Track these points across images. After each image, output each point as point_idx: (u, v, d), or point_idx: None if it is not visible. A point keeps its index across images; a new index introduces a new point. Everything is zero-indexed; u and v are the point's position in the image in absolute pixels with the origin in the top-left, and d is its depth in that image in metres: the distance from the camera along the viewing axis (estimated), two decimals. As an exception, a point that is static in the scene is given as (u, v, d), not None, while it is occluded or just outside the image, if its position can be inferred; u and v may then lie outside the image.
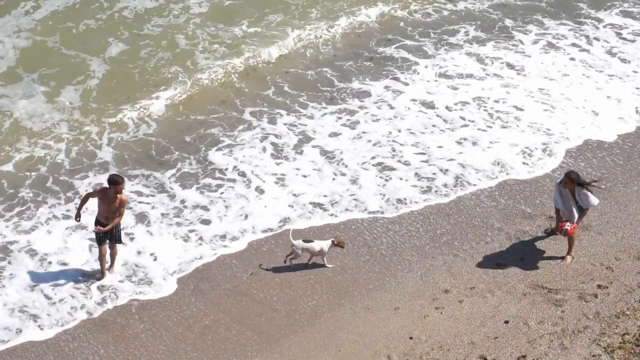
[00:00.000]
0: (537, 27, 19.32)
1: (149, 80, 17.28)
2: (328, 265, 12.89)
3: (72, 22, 18.83)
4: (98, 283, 12.64)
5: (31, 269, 12.94)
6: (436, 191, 14.42)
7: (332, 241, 12.80)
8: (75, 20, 18.87)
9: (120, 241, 12.70)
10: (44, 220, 13.86)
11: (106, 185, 12.36)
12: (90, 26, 18.74)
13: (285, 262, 12.91)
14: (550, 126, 16.06)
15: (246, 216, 14.00)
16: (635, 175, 14.69)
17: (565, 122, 16.16)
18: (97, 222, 12.42)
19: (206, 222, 13.91)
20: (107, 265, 12.78)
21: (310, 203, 14.30)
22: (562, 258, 12.76)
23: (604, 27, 19.37)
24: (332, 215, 13.98)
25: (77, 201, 14.03)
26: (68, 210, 14.04)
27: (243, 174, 14.99)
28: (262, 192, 14.58)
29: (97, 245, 12.63)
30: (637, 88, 17.15)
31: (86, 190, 14.08)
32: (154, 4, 19.53)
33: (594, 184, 12.73)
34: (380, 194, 14.41)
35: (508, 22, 19.54)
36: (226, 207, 14.24)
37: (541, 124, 16.14)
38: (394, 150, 15.55)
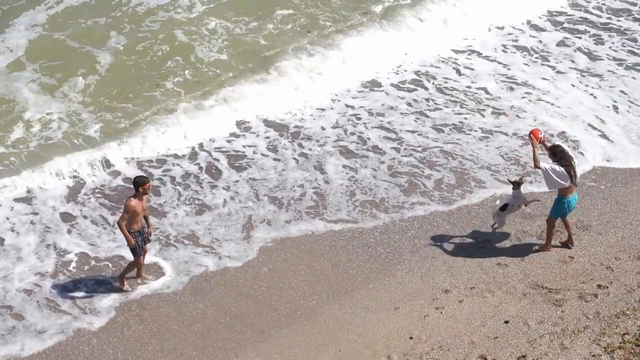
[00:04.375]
0: None
1: (149, 74, 17.46)
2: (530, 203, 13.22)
3: (82, 19, 19.03)
4: (127, 291, 12.50)
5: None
6: (424, 192, 14.31)
7: (515, 188, 12.91)
8: (86, 17, 19.08)
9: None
10: None
11: (129, 194, 12.16)
12: (100, 22, 18.90)
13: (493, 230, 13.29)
14: (546, 119, 16.13)
15: (201, 211, 14.03)
16: (635, 175, 14.69)
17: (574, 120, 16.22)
18: (134, 234, 12.10)
19: (162, 214, 13.97)
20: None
21: (272, 199, 14.26)
22: (564, 260, 12.78)
23: (543, 15, 19.57)
24: (295, 220, 13.83)
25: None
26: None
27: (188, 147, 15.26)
28: (217, 175, 14.57)
29: (135, 256, 12.25)
30: (623, 91, 17.18)
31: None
32: (164, 0, 19.64)
33: (572, 164, 12.31)
34: (349, 193, 14.26)
35: None
36: (179, 194, 14.33)
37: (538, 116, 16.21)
38: (355, 127, 15.48)
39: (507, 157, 15.24)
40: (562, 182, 12.28)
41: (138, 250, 12.14)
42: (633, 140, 15.65)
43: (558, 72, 17.85)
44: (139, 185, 11.87)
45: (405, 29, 19.06)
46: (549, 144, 12.66)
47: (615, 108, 16.62)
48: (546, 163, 12.34)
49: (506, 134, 15.88)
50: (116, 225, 12.75)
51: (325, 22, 19.15)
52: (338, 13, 19.55)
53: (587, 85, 17.36)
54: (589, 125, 16.10)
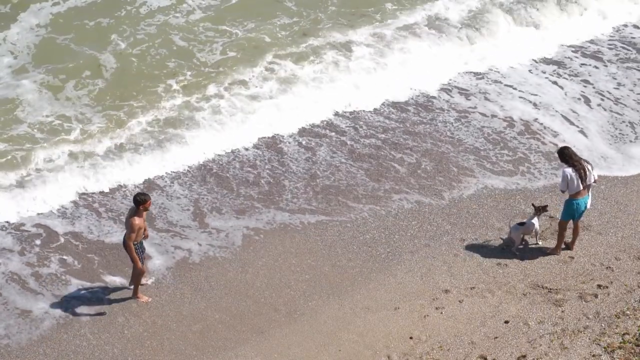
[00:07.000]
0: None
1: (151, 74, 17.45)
2: (539, 243, 13.02)
3: (87, 20, 19.00)
4: (147, 301, 12.42)
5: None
6: (387, 175, 14.36)
7: (536, 213, 12.83)
8: (91, 17, 19.05)
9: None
10: None
11: (130, 211, 12.14)
12: (102, 24, 18.89)
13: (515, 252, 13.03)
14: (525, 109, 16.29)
15: (151, 188, 14.27)
16: (635, 175, 14.69)
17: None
18: (136, 245, 12.08)
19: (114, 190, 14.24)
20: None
21: (221, 179, 14.39)
22: (564, 260, 12.78)
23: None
24: (249, 209, 13.92)
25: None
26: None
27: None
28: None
29: (137, 267, 12.12)
30: (587, 81, 17.19)
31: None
32: (168, 2, 19.62)
33: (581, 163, 12.33)
34: (310, 171, 14.34)
35: None
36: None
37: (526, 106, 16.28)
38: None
39: (492, 140, 15.18)
40: (574, 186, 12.33)
41: (141, 261, 12.21)
42: (611, 144, 15.64)
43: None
44: (140, 203, 11.96)
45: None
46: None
47: (587, 101, 16.61)
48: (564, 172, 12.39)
49: (484, 115, 15.86)
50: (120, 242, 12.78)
51: (323, 24, 19.18)
52: (336, 16, 19.59)
53: (544, 72, 17.36)
54: (564, 117, 16.10)
